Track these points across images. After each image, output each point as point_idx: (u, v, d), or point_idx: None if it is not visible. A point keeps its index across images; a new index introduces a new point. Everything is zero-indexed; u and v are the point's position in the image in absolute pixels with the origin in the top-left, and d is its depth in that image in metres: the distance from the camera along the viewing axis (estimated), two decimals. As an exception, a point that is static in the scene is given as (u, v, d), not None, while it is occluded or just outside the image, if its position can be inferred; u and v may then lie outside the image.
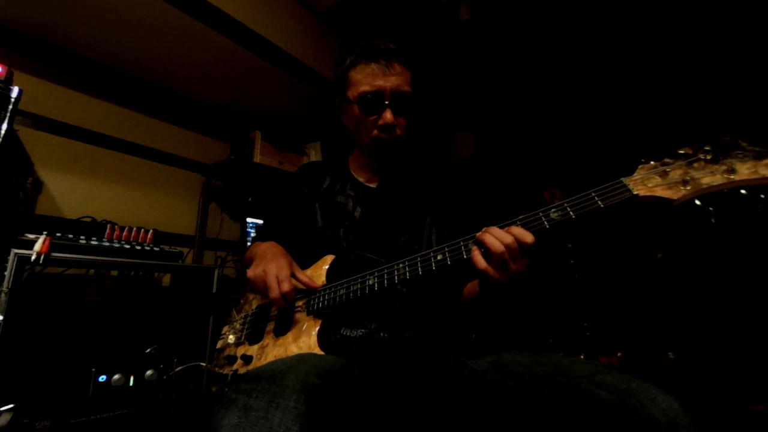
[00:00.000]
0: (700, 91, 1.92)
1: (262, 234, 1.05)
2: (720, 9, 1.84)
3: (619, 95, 2.23)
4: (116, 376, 1.17)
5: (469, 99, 2.79)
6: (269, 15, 1.88)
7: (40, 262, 1.12)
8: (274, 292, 0.78)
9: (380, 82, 0.88)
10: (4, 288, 1.05)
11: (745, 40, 1.79)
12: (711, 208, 0.55)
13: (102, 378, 1.16)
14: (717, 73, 1.88)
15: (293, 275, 0.83)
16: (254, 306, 0.94)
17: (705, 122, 1.83)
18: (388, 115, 0.88)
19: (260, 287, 0.82)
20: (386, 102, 0.88)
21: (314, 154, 2.48)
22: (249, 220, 2.12)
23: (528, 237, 0.63)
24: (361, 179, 1.02)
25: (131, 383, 1.20)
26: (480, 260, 0.65)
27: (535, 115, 2.59)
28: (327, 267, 0.86)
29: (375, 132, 0.92)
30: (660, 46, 2.06)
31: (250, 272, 0.84)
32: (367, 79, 0.89)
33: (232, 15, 1.66)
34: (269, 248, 0.90)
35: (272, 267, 0.81)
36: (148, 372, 1.24)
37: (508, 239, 0.63)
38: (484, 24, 2.13)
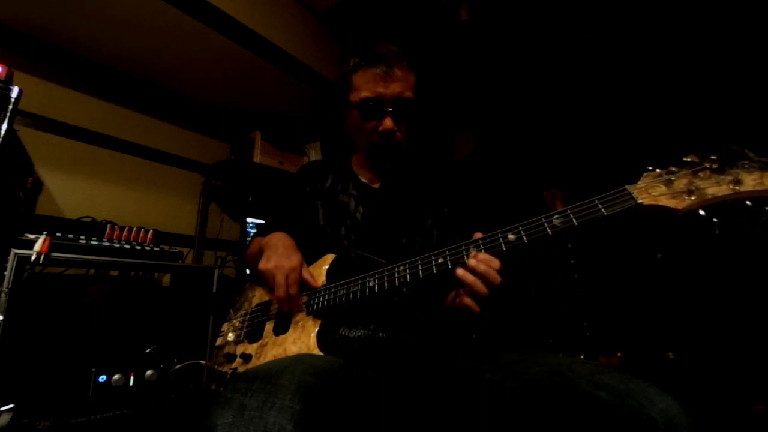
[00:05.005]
0: (701, 91, 1.91)
1: (264, 231, 1.04)
2: (722, 8, 1.83)
3: (619, 95, 2.22)
4: (116, 376, 1.17)
5: (469, 99, 2.79)
6: (269, 15, 1.88)
7: (40, 262, 1.12)
8: (281, 293, 0.79)
9: (381, 89, 0.87)
10: (4, 288, 1.04)
11: (749, 39, 1.79)
12: (715, 219, 0.54)
13: (102, 378, 1.16)
14: (718, 73, 1.88)
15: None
16: (254, 304, 0.94)
17: (705, 123, 1.82)
18: (388, 123, 0.88)
19: (269, 282, 0.82)
20: (389, 109, 0.88)
21: (314, 154, 2.48)
22: (249, 220, 2.12)
23: (494, 263, 0.67)
24: (364, 179, 1.02)
25: (131, 383, 1.20)
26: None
27: (535, 115, 2.59)
28: (327, 267, 0.86)
29: (375, 137, 0.91)
30: (660, 45, 2.06)
31: (262, 264, 0.83)
32: (368, 84, 0.89)
33: (232, 15, 1.66)
34: (282, 240, 0.88)
35: (285, 265, 0.81)
36: (148, 372, 1.23)
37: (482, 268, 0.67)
38: (484, 24, 2.13)
